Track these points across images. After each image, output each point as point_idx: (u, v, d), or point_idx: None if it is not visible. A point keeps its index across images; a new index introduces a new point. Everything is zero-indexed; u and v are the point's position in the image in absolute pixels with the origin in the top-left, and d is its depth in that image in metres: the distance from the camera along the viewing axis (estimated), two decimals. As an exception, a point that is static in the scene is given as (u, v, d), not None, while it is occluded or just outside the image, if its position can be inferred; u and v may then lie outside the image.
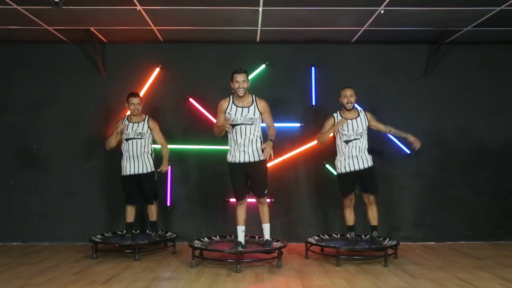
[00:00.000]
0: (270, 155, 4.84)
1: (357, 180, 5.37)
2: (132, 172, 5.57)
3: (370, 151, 5.41)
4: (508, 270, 4.75)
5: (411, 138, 5.41)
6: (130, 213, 5.62)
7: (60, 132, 6.42)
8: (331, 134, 5.54)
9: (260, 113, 5.04)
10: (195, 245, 5.10)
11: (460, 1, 5.09)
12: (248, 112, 5.00)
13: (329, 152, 6.05)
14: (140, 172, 5.58)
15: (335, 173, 6.12)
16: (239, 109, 5.01)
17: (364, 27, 5.89)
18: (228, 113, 5.01)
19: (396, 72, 6.53)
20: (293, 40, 6.42)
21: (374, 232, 5.39)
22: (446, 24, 5.82)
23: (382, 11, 5.31)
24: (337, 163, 5.42)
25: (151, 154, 5.70)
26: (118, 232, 5.95)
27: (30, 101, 6.45)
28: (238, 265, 4.74)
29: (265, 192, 5.13)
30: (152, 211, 5.74)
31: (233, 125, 5.01)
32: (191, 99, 6.41)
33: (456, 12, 5.39)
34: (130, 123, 5.58)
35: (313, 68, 6.46)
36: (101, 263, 5.14)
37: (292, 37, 6.31)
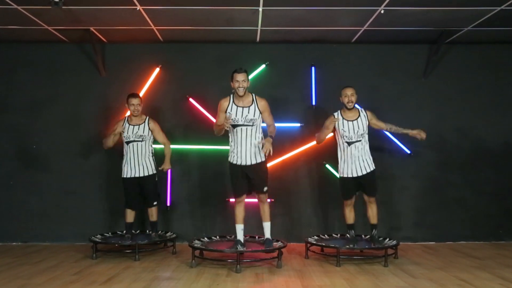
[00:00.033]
0: (270, 151, 4.83)
1: (358, 184, 5.37)
2: (133, 175, 5.56)
3: (370, 148, 5.41)
4: (508, 270, 4.75)
5: (413, 132, 5.35)
6: (130, 214, 5.63)
7: (60, 132, 6.42)
8: (331, 134, 5.54)
9: (260, 112, 5.04)
10: (195, 245, 5.10)
11: (460, 1, 5.09)
12: (248, 113, 4.99)
13: (329, 152, 6.06)
14: (141, 175, 5.57)
15: (335, 173, 6.13)
16: (240, 109, 5.01)
17: (364, 27, 5.89)
18: (229, 112, 5.01)
19: (396, 72, 6.53)
20: (293, 40, 6.42)
21: (374, 230, 5.38)
22: (446, 24, 5.82)
23: (382, 11, 5.31)
24: (340, 166, 5.41)
25: (152, 155, 5.69)
26: (118, 232, 5.95)
27: (30, 101, 6.45)
28: (238, 265, 4.74)
29: (265, 190, 5.12)
30: (152, 211, 5.74)
31: (234, 126, 5.01)
32: (191, 99, 6.41)
33: (456, 12, 5.39)
34: (130, 126, 5.57)
35: (313, 68, 6.46)
36: (101, 263, 5.14)
37: (292, 37, 6.31)
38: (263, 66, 6.43)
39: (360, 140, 5.30)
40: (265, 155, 4.98)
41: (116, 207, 6.22)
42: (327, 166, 6.34)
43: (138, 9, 5.24)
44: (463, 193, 6.43)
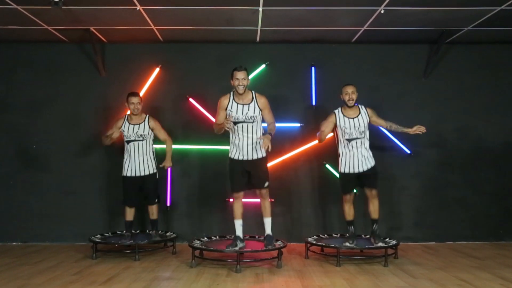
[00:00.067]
0: (268, 147, 4.83)
1: (358, 180, 5.37)
2: (133, 174, 5.56)
3: (370, 148, 5.41)
4: (509, 270, 4.75)
5: (412, 130, 5.32)
6: (130, 212, 5.61)
7: (60, 132, 6.42)
8: (331, 135, 5.54)
9: (260, 110, 5.04)
10: (195, 245, 5.10)
11: (460, 1, 5.09)
12: (248, 110, 5.01)
13: (329, 152, 6.06)
14: (142, 174, 5.57)
15: (335, 173, 6.14)
16: (240, 106, 5.02)
17: (364, 27, 5.89)
18: (230, 110, 5.02)
19: (396, 72, 6.53)
20: (293, 40, 6.42)
21: (375, 225, 5.36)
22: (446, 24, 5.81)
23: (382, 11, 5.31)
24: (340, 161, 5.41)
25: (153, 154, 5.69)
26: (118, 232, 5.95)
27: (30, 101, 6.45)
28: (238, 265, 4.73)
29: (266, 185, 5.11)
30: (153, 210, 5.73)
31: (235, 123, 5.02)
32: (191, 99, 6.41)
33: (456, 12, 5.39)
34: (130, 125, 5.57)
35: (313, 68, 6.46)
36: (101, 263, 5.14)
37: (292, 37, 6.31)
38: (263, 66, 6.42)
39: (360, 137, 5.31)
40: (266, 151, 4.98)
41: (116, 207, 6.21)
42: (327, 166, 6.34)
43: (138, 9, 5.23)
44: (463, 193, 6.43)
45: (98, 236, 5.67)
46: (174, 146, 5.98)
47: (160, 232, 5.91)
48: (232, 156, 5.13)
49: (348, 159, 5.34)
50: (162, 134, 5.71)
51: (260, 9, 5.26)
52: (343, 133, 5.33)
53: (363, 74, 6.42)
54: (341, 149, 5.41)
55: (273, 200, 6.04)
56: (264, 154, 5.07)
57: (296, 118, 6.42)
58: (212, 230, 6.24)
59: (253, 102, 5.03)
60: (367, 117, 5.36)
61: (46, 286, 4.24)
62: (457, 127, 6.49)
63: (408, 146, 6.34)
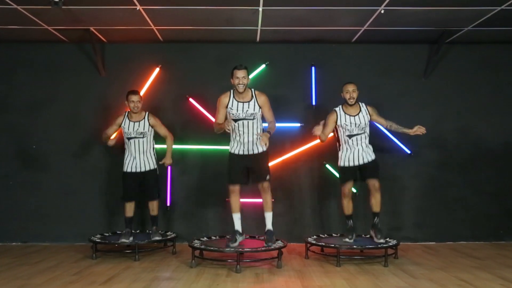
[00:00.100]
0: (266, 144, 4.84)
1: (360, 172, 5.37)
2: (134, 170, 5.56)
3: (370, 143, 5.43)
4: (509, 270, 4.74)
5: (413, 130, 5.30)
6: (129, 208, 5.59)
7: (60, 132, 6.42)
8: (331, 134, 5.53)
9: (260, 107, 5.05)
10: (195, 245, 5.09)
11: (460, 1, 5.09)
12: (248, 107, 5.03)
13: (329, 152, 6.06)
14: (143, 170, 5.57)
15: (335, 173, 6.14)
16: (240, 104, 5.04)
17: (364, 27, 5.89)
18: (230, 108, 5.03)
19: (396, 72, 6.53)
20: (293, 40, 6.41)
21: (376, 218, 5.35)
22: (446, 24, 5.81)
23: (382, 11, 5.30)
24: (340, 156, 5.42)
25: (153, 150, 5.69)
26: (117, 232, 5.94)
27: (30, 101, 6.45)
28: (238, 265, 4.73)
29: (267, 178, 5.10)
30: (153, 206, 5.72)
31: (235, 120, 5.03)
32: (191, 99, 6.41)
33: (456, 12, 5.39)
34: (131, 122, 5.57)
35: (313, 68, 6.46)
36: (100, 263, 5.14)
37: (292, 37, 6.30)
38: (263, 66, 6.42)
39: (361, 133, 5.32)
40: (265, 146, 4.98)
41: (116, 207, 6.21)
42: (327, 166, 6.34)
43: (138, 9, 5.23)
44: (463, 193, 6.42)
45: (98, 236, 5.66)
46: (174, 146, 5.97)
47: (160, 231, 5.91)
48: (232, 151, 5.14)
49: (348, 154, 5.35)
50: (163, 130, 5.71)
51: (260, 9, 5.26)
52: (344, 130, 5.34)
53: (363, 74, 6.41)
54: (341, 144, 5.42)
55: (273, 200, 6.05)
56: (265, 149, 5.06)
57: (296, 118, 6.42)
58: (212, 230, 6.24)
59: (252, 100, 5.04)
60: (368, 114, 5.37)
61: (46, 286, 4.24)
62: (457, 127, 6.49)
63: (408, 146, 6.34)
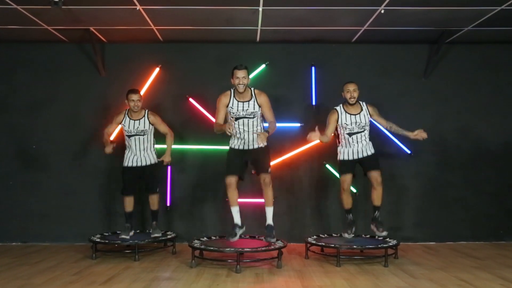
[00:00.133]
0: (263, 144, 4.85)
1: (360, 165, 5.37)
2: (134, 165, 5.58)
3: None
4: (509, 270, 4.74)
5: (414, 134, 5.30)
6: (129, 203, 5.59)
7: (60, 132, 6.42)
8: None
9: (259, 106, 5.06)
10: (195, 245, 5.09)
11: (460, 1, 5.09)
12: (248, 107, 5.05)
13: (329, 152, 6.05)
14: (143, 164, 5.59)
15: (335, 173, 6.14)
16: (241, 103, 5.05)
17: (364, 27, 5.89)
18: (231, 107, 5.04)
19: (396, 72, 6.52)
20: (293, 40, 6.41)
21: (377, 212, 5.34)
22: (446, 24, 5.81)
23: (382, 11, 5.30)
24: (339, 151, 5.43)
25: (154, 147, 5.71)
26: (117, 232, 5.93)
27: (30, 101, 6.45)
28: (238, 265, 4.73)
29: (269, 170, 5.10)
30: (154, 200, 5.72)
31: (236, 118, 5.06)
32: (191, 99, 6.41)
33: (456, 12, 5.38)
34: (131, 121, 5.57)
35: (313, 68, 6.46)
36: (100, 263, 5.13)
37: (292, 37, 6.30)
38: (263, 66, 6.42)
39: (361, 132, 5.33)
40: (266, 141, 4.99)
41: (116, 207, 6.22)
42: (327, 166, 6.34)
43: (138, 9, 5.23)
44: (463, 193, 6.42)
45: (98, 236, 5.66)
46: (174, 146, 5.98)
47: (161, 232, 5.90)
48: (232, 146, 5.16)
49: (347, 149, 5.37)
50: (163, 128, 5.71)
51: (260, 9, 5.26)
52: (344, 129, 5.34)
53: (363, 74, 6.41)
54: (341, 141, 5.43)
55: (276, 197, 6.05)
56: (266, 144, 5.04)
57: (296, 118, 6.42)
58: (212, 230, 6.24)
59: (252, 99, 5.06)
60: (368, 114, 5.37)
61: (46, 286, 4.24)
62: (457, 127, 6.49)
63: (408, 146, 6.33)
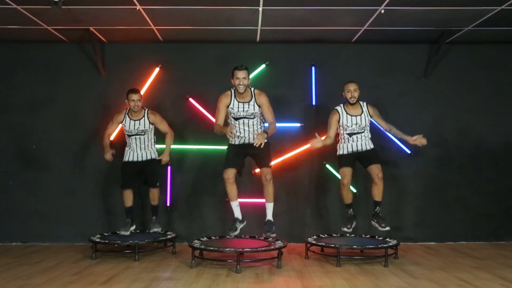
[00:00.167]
0: (261, 145, 4.83)
1: (360, 161, 5.36)
2: (135, 159, 5.61)
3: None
4: (509, 270, 4.74)
5: (412, 139, 5.30)
6: (128, 197, 5.60)
7: (60, 132, 6.42)
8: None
9: (259, 107, 5.05)
10: (195, 245, 5.09)
11: (460, 1, 5.08)
12: (249, 108, 5.06)
13: (329, 152, 6.04)
14: (144, 159, 5.62)
15: (335, 173, 6.14)
16: (241, 104, 5.07)
17: (364, 27, 5.89)
18: (231, 108, 5.05)
19: (396, 72, 6.52)
20: (293, 40, 6.41)
21: (378, 207, 5.32)
22: (446, 24, 5.81)
23: (382, 11, 5.30)
24: (338, 147, 5.44)
25: (154, 145, 5.74)
26: (117, 232, 5.92)
27: (30, 101, 6.45)
28: (238, 265, 4.73)
29: (270, 165, 5.10)
30: (154, 195, 5.72)
31: (236, 119, 5.07)
32: (191, 99, 6.41)
33: (456, 12, 5.38)
34: (131, 121, 5.58)
35: (313, 68, 6.46)
36: (100, 264, 5.13)
37: (292, 37, 6.30)
38: (263, 66, 6.42)
39: (361, 132, 5.35)
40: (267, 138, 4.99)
41: (116, 207, 6.22)
42: (327, 166, 6.34)
43: (138, 9, 5.23)
44: (463, 193, 6.42)
45: (98, 236, 5.65)
46: (174, 146, 5.98)
47: (160, 232, 5.90)
48: (232, 143, 5.18)
49: (347, 144, 5.38)
50: (163, 127, 5.72)
51: (260, 9, 5.26)
52: (345, 129, 5.35)
53: (363, 74, 6.40)
54: (340, 139, 5.44)
55: (273, 202, 6.05)
56: (266, 140, 5.03)
57: (296, 118, 6.42)
58: (212, 230, 6.23)
59: (252, 99, 5.06)
60: (368, 115, 5.37)
61: (46, 286, 4.24)
62: (457, 127, 6.49)
63: (408, 146, 6.33)
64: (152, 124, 5.65)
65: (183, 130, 6.40)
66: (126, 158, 5.63)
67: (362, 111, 5.36)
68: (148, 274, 4.65)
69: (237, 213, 5.11)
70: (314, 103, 6.43)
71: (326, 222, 6.36)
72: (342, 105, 5.42)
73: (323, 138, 5.35)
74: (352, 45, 6.54)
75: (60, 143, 6.40)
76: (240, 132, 5.10)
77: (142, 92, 6.29)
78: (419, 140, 5.30)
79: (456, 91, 6.52)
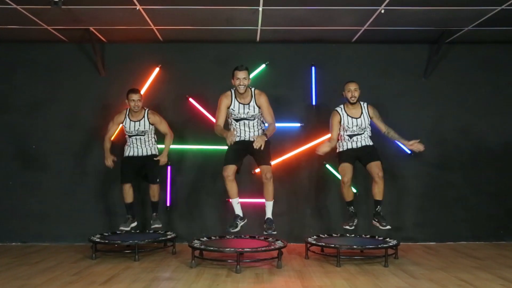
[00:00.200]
0: (261, 146, 4.83)
1: (359, 159, 5.36)
2: (135, 155, 5.64)
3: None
4: (509, 270, 4.74)
5: (409, 144, 5.30)
6: (128, 193, 5.61)
7: (60, 132, 6.42)
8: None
9: (259, 107, 5.06)
10: (195, 245, 5.09)
11: (460, 1, 5.08)
12: (249, 109, 5.07)
13: (329, 152, 6.04)
14: (145, 154, 5.65)
15: (336, 173, 6.14)
16: (241, 106, 5.08)
17: (365, 27, 5.88)
18: (232, 109, 5.07)
19: (396, 72, 6.52)
20: (293, 40, 6.41)
21: (379, 206, 5.31)
22: (446, 23, 5.81)
23: (382, 11, 5.30)
24: (338, 144, 5.45)
25: (155, 143, 5.77)
26: (117, 232, 5.93)
27: (30, 101, 6.45)
28: (238, 266, 4.72)
29: (270, 163, 5.11)
30: (154, 192, 5.72)
31: (237, 120, 5.08)
32: (191, 99, 6.41)
33: (456, 11, 5.38)
34: (131, 122, 5.59)
35: (313, 68, 6.46)
36: (100, 264, 5.13)
37: (292, 37, 6.30)
38: (263, 66, 6.42)
39: (361, 133, 5.35)
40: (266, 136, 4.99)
41: (115, 207, 6.21)
42: (327, 166, 6.34)
43: (138, 8, 5.23)
44: (463, 193, 6.42)
45: (98, 236, 5.65)
46: (174, 146, 5.98)
47: (160, 232, 5.91)
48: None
49: (345, 142, 5.39)
50: (163, 127, 5.73)
51: (260, 9, 5.26)
52: (346, 131, 5.35)
53: (363, 74, 6.40)
54: (340, 139, 5.44)
55: (273, 200, 6.04)
56: (267, 139, 5.03)
57: (296, 118, 6.42)
58: (212, 230, 6.23)
59: (252, 101, 5.06)
60: (368, 117, 5.37)
61: (45, 286, 4.23)
62: (457, 127, 6.49)
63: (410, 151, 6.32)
64: (152, 124, 5.66)
65: (183, 130, 6.40)
66: (126, 154, 5.67)
67: (362, 112, 5.36)
68: (148, 274, 4.65)
69: (238, 210, 5.12)
70: (314, 103, 6.43)
71: (326, 222, 6.36)
72: (342, 106, 5.42)
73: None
74: (352, 45, 6.54)
75: (60, 143, 6.40)
76: (240, 133, 5.12)
77: (142, 92, 6.29)
78: (415, 145, 5.30)
79: (456, 91, 6.52)
